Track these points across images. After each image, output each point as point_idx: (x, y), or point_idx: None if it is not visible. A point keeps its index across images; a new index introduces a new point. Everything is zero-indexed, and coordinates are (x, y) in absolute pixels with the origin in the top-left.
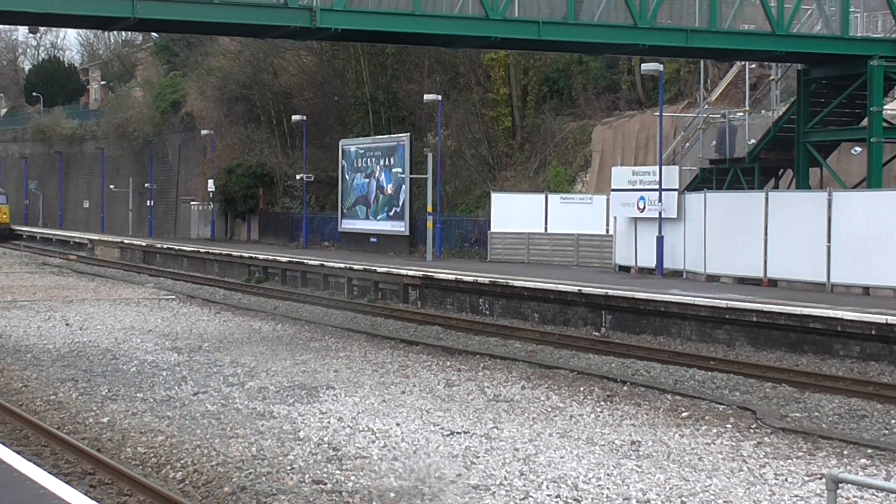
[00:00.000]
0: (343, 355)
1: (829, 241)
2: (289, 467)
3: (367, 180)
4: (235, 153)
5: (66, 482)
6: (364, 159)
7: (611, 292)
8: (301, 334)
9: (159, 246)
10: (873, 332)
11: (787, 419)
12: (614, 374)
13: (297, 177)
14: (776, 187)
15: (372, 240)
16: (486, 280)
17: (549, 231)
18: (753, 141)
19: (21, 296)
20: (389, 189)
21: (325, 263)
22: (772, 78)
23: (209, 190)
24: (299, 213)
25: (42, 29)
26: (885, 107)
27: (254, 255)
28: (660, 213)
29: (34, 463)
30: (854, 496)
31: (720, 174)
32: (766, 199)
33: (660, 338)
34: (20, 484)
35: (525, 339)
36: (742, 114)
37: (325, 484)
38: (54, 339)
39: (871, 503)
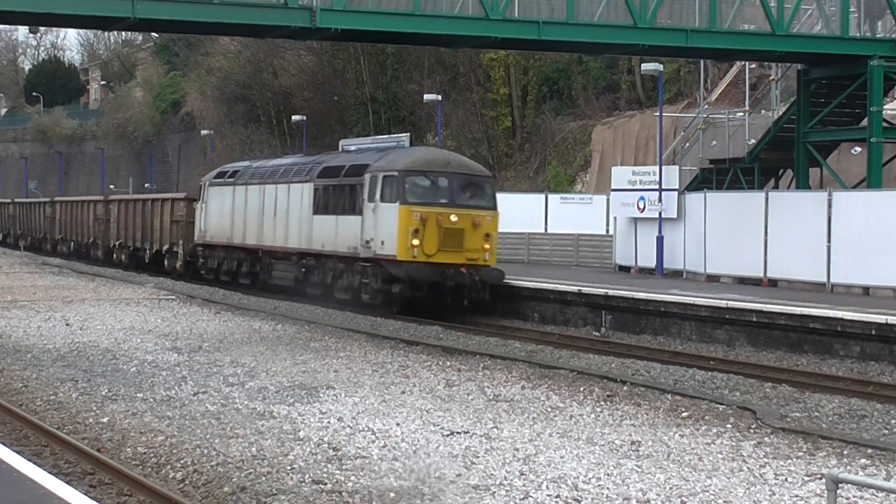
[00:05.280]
0: (343, 355)
1: (829, 241)
2: (289, 467)
3: None
4: (235, 153)
5: (66, 482)
6: None
7: (611, 292)
8: (301, 334)
9: None
10: (873, 332)
11: (787, 419)
12: (614, 374)
13: None
14: (776, 187)
15: None
16: None
17: (549, 231)
18: (753, 141)
19: (21, 296)
20: None
21: None
22: (772, 78)
23: None
24: None
25: (42, 29)
26: (885, 107)
27: None
28: (660, 213)
29: (34, 463)
30: (854, 496)
31: (720, 174)
32: (766, 199)
33: (660, 338)
34: (20, 484)
35: (525, 339)
36: (741, 114)
37: (325, 484)
38: (54, 339)
39: (871, 503)
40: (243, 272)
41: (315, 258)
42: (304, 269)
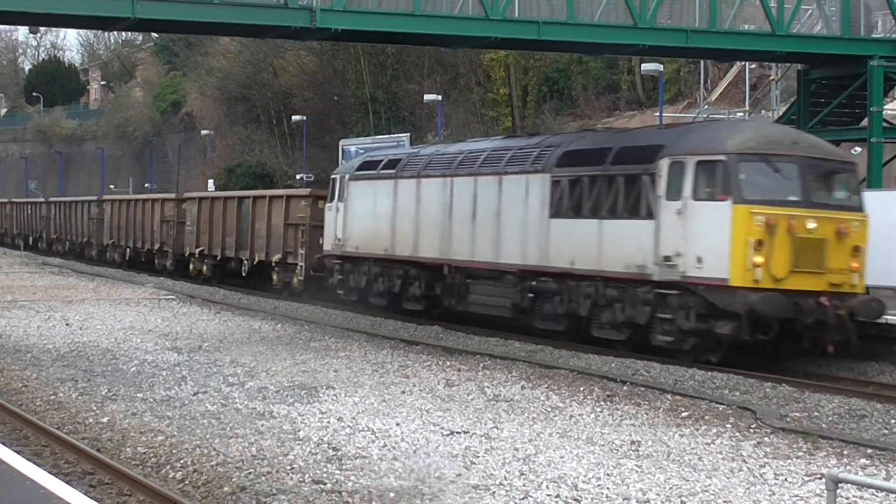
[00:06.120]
0: (343, 355)
1: None
2: (289, 467)
3: None
4: (235, 153)
5: (66, 482)
6: None
7: None
8: (301, 334)
9: None
10: (873, 332)
11: (786, 419)
12: (614, 374)
13: (297, 177)
14: None
15: None
16: None
17: None
18: None
19: (21, 296)
20: None
21: None
22: (772, 78)
23: (209, 190)
24: None
25: (42, 29)
26: (885, 107)
27: None
28: None
29: (34, 463)
30: (854, 496)
31: None
32: None
33: None
34: (20, 484)
35: (525, 339)
36: (741, 114)
37: (325, 484)
38: (54, 338)
39: (871, 503)
40: (413, 294)
41: (554, 279)
42: (531, 294)
